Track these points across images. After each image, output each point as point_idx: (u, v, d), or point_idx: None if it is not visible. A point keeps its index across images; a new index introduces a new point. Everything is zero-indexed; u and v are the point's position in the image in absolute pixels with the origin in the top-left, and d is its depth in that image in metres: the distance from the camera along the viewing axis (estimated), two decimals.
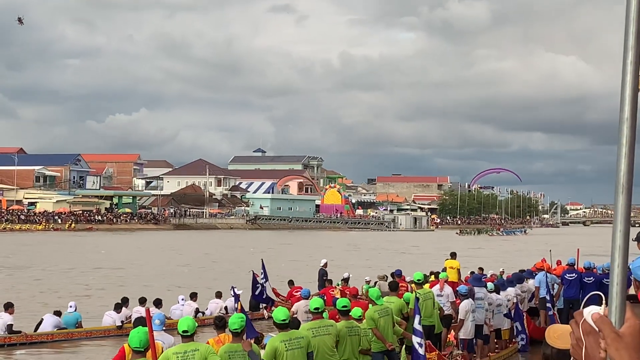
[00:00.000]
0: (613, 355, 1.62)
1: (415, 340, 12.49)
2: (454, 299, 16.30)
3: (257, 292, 20.88)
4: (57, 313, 20.21)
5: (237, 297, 13.88)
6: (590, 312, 1.70)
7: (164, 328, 11.44)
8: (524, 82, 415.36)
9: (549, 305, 18.75)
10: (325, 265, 25.07)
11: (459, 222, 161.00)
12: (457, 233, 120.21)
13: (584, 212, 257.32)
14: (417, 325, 12.53)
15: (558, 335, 1.99)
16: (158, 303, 20.78)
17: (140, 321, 10.81)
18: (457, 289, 16.69)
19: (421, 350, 12.45)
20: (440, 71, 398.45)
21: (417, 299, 13.92)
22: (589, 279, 19.14)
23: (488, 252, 60.28)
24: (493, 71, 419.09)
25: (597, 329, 1.66)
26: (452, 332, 16.56)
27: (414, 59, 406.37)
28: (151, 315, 8.92)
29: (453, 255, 25.06)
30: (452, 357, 15.38)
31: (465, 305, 15.37)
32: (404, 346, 13.55)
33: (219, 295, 23.33)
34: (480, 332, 15.95)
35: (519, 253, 58.85)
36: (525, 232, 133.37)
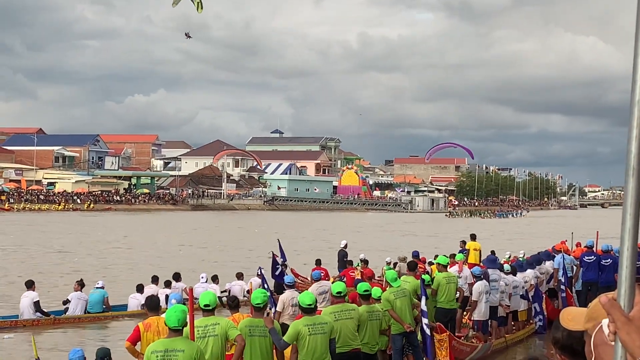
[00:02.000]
0: (624, 338, 1.62)
1: (424, 321, 12.84)
2: (472, 281, 16.28)
3: (277, 273, 20.74)
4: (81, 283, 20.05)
5: (264, 279, 13.90)
6: (607, 324, 1.68)
7: None
8: (543, 64, 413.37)
9: (562, 287, 18.75)
10: (346, 246, 24.68)
11: (477, 203, 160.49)
12: (446, 215, 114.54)
13: (602, 194, 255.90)
14: (423, 306, 12.85)
15: (572, 317, 1.99)
16: (177, 277, 20.65)
17: (152, 300, 10.83)
18: (471, 270, 16.68)
19: (428, 331, 12.84)
20: (458, 52, 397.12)
21: (422, 280, 13.99)
22: (607, 261, 19.10)
23: (496, 235, 60.02)
24: (512, 52, 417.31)
25: (609, 341, 1.65)
26: (466, 314, 16.54)
27: (433, 40, 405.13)
28: (191, 294, 8.70)
29: (473, 237, 24.98)
30: (467, 338, 15.39)
31: (478, 286, 15.37)
32: (419, 327, 13.59)
33: (239, 276, 23.09)
34: (495, 313, 15.94)
35: (530, 235, 58.79)
36: (522, 214, 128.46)
